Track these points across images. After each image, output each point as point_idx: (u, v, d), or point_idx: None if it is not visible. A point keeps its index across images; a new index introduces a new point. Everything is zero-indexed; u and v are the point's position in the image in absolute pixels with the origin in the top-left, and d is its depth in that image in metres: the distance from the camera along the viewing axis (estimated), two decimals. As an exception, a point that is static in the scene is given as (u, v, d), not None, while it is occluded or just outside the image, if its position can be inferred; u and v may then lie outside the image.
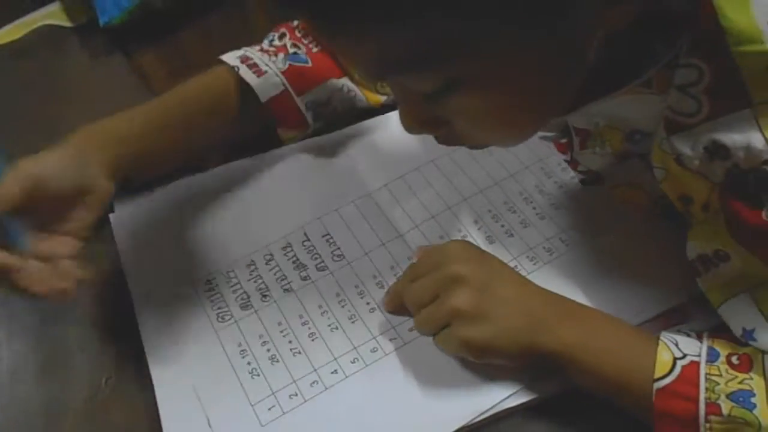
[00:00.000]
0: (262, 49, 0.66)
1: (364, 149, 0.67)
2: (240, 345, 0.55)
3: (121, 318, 0.57)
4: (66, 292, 0.49)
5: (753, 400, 0.41)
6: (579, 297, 0.53)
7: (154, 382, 0.53)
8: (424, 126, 0.46)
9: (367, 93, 0.69)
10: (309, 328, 0.55)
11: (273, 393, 0.52)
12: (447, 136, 0.48)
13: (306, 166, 0.66)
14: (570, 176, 0.62)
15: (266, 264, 0.60)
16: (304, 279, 0.58)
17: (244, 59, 0.64)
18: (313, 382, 0.52)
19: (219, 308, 0.57)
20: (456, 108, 0.43)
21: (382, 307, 0.56)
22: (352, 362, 0.53)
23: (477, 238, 0.59)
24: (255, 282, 0.58)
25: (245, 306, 0.57)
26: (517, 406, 0.49)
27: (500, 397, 0.49)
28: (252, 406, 0.51)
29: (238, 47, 0.67)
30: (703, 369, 0.43)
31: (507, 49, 0.38)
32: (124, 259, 0.61)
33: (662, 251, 0.54)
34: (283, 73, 0.64)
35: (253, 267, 0.59)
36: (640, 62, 0.45)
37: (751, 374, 0.43)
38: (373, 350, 0.53)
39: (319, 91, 0.66)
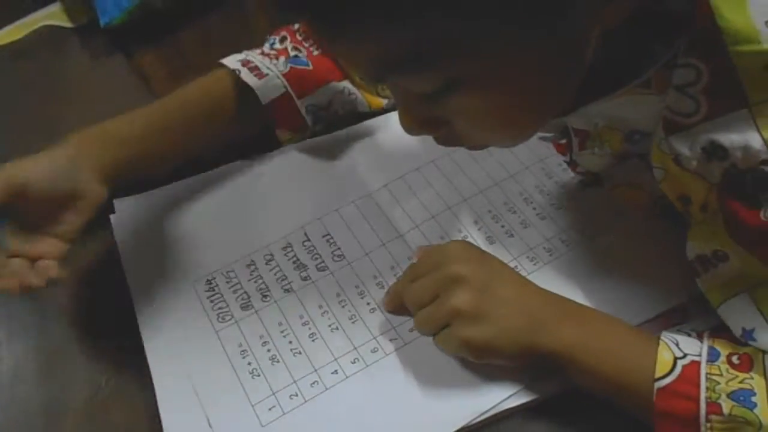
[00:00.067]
0: (263, 53, 0.66)
1: (365, 149, 0.67)
2: (240, 345, 0.55)
3: (122, 318, 0.57)
4: (31, 288, 0.50)
5: (754, 399, 0.41)
6: (579, 297, 0.53)
7: (155, 382, 0.53)
8: (424, 127, 0.46)
9: (369, 96, 0.69)
10: (309, 329, 0.55)
11: (273, 393, 0.52)
12: (446, 137, 0.48)
13: (306, 167, 0.66)
14: (570, 176, 0.62)
15: (266, 264, 0.60)
16: (305, 279, 0.58)
17: (245, 62, 0.64)
18: (314, 383, 0.52)
19: (219, 308, 0.57)
20: (456, 108, 0.43)
21: (382, 308, 0.56)
22: (352, 362, 0.53)
23: (477, 239, 0.59)
24: (255, 282, 0.58)
25: (245, 306, 0.57)
26: (518, 406, 0.49)
27: (500, 397, 0.49)
28: (252, 406, 0.51)
29: (238, 48, 0.67)
30: (703, 368, 0.43)
31: (506, 48, 0.38)
32: (124, 259, 0.61)
33: (662, 251, 0.54)
34: (284, 75, 0.64)
35: (253, 267, 0.59)
36: (640, 63, 0.45)
37: (752, 374, 0.43)
38: (374, 350, 0.53)
39: (319, 94, 0.66)
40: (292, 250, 0.60)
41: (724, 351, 0.44)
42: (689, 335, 0.47)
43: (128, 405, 0.53)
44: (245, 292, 0.58)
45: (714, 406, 0.42)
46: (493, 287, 0.49)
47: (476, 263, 0.50)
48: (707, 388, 0.42)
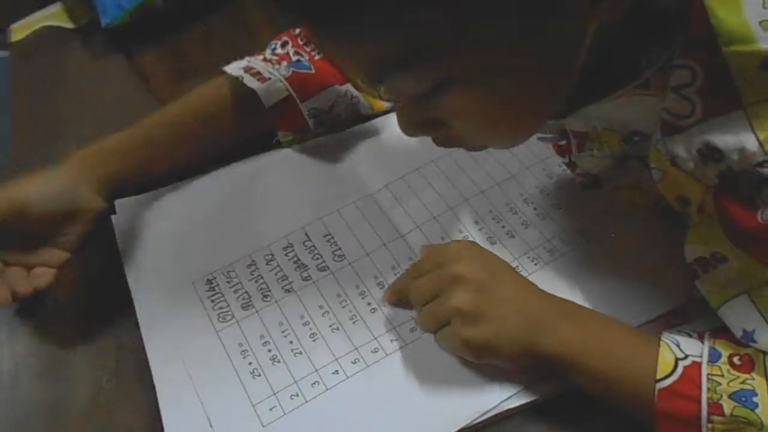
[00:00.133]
0: (265, 59, 0.67)
1: (365, 150, 0.67)
2: (241, 345, 0.55)
3: (123, 318, 0.57)
4: (18, 297, 0.55)
5: (755, 399, 0.41)
6: (579, 297, 0.53)
7: (156, 382, 0.53)
8: (421, 128, 0.46)
9: (371, 99, 0.69)
10: (310, 329, 0.55)
11: (274, 393, 0.52)
12: (444, 139, 0.48)
13: (307, 167, 0.66)
14: (571, 177, 0.62)
15: (267, 264, 0.60)
16: (305, 279, 0.58)
17: (247, 69, 0.65)
18: (315, 383, 0.52)
19: (220, 308, 0.57)
20: (450, 108, 0.43)
21: (382, 306, 0.56)
22: (353, 363, 0.53)
23: (478, 239, 0.59)
24: (256, 282, 0.58)
25: (246, 306, 0.57)
26: (518, 406, 0.49)
27: (502, 397, 0.49)
28: (253, 406, 0.51)
29: (239, 48, 0.67)
30: (704, 369, 0.43)
31: (499, 46, 0.38)
32: (125, 259, 0.61)
33: (663, 252, 0.54)
34: (286, 79, 0.65)
35: (254, 267, 0.59)
36: (638, 64, 0.45)
37: (753, 374, 0.43)
38: (375, 351, 0.53)
39: (322, 97, 0.66)
40: (293, 250, 0.60)
41: (725, 352, 0.44)
42: (690, 336, 0.47)
43: (129, 405, 0.53)
44: (246, 292, 0.58)
45: (715, 407, 0.42)
46: (493, 288, 0.49)
47: (477, 263, 0.50)
48: (708, 389, 0.42)
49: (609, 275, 0.55)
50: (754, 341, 0.43)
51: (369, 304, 0.56)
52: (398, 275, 0.57)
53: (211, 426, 0.50)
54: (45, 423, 0.53)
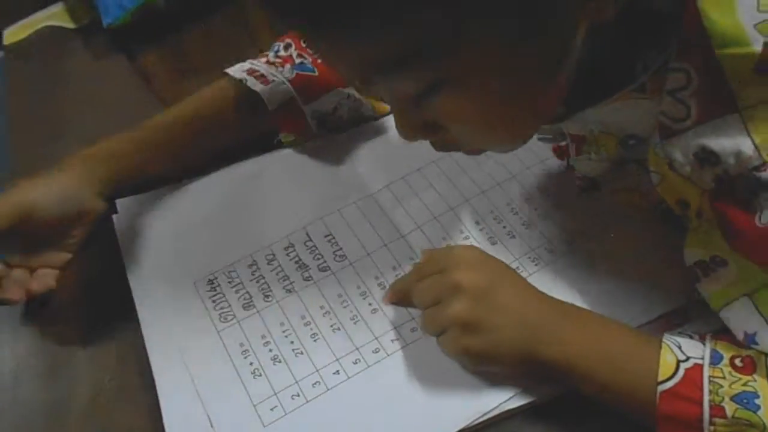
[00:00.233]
0: (268, 61, 0.67)
1: (366, 150, 0.67)
2: (242, 345, 0.55)
3: (124, 318, 0.57)
4: (32, 295, 0.56)
5: (757, 401, 0.41)
6: (580, 298, 0.53)
7: (157, 382, 0.53)
8: (419, 132, 0.46)
9: (374, 102, 0.69)
10: (311, 329, 0.55)
11: (275, 393, 0.52)
12: (442, 142, 0.48)
13: (308, 167, 0.66)
14: (571, 177, 0.62)
15: (268, 264, 0.60)
16: (307, 279, 0.58)
17: (251, 71, 0.65)
18: (315, 383, 0.52)
19: (221, 308, 0.57)
20: (445, 109, 0.43)
21: (383, 305, 0.56)
22: (354, 363, 0.53)
23: (479, 239, 0.59)
24: (257, 282, 0.58)
25: (247, 306, 0.57)
26: (519, 407, 0.49)
27: (502, 398, 0.49)
28: (254, 406, 0.51)
29: (240, 48, 0.68)
30: (706, 371, 0.43)
31: (497, 47, 0.38)
32: (126, 259, 0.61)
33: (664, 252, 0.54)
34: (290, 81, 0.65)
35: (255, 267, 0.59)
36: (634, 68, 0.44)
37: (755, 376, 0.42)
38: (376, 351, 0.53)
39: (325, 99, 0.66)
40: (294, 250, 0.60)
41: (726, 353, 0.44)
42: (691, 337, 0.46)
43: (130, 405, 0.53)
44: (247, 292, 0.58)
45: (717, 409, 0.42)
46: (492, 295, 0.48)
47: (477, 271, 0.50)
48: (710, 391, 0.42)
49: (609, 275, 0.55)
50: (756, 343, 0.43)
51: (370, 304, 0.56)
52: (399, 275, 0.57)
53: (211, 426, 0.50)
54: (46, 423, 0.53)
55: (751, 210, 0.40)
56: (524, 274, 0.55)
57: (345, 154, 0.67)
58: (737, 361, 0.43)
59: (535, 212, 0.60)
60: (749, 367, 0.43)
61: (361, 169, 0.65)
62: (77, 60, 0.83)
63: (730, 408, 0.41)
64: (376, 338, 0.54)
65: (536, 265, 0.57)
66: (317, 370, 0.53)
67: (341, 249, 0.60)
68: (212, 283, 0.59)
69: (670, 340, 0.45)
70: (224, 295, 0.58)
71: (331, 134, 0.68)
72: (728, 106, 0.39)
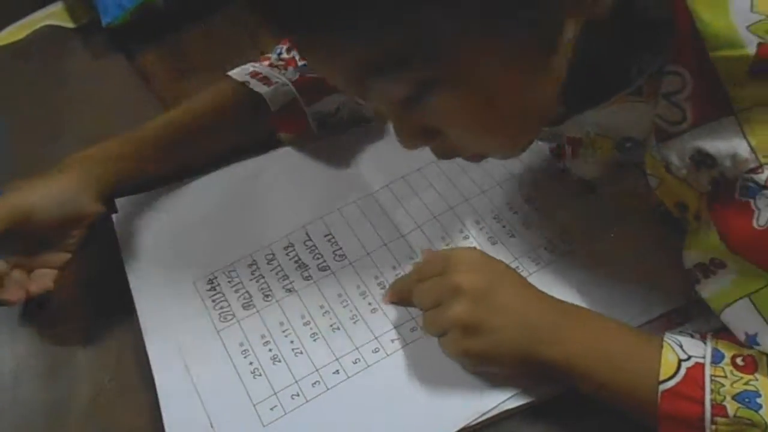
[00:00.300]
0: (271, 64, 0.67)
1: (366, 149, 0.67)
2: (242, 345, 0.54)
3: (124, 318, 0.57)
4: (30, 296, 0.56)
5: (759, 400, 0.41)
6: (580, 297, 0.53)
7: (157, 381, 0.53)
8: (418, 138, 0.46)
9: None
10: (311, 328, 0.55)
11: (275, 393, 0.52)
12: (443, 148, 0.48)
13: (308, 166, 0.66)
14: (571, 177, 0.62)
15: (268, 264, 0.60)
16: (306, 279, 0.58)
17: (253, 74, 0.65)
18: (315, 383, 0.52)
19: (221, 308, 0.57)
20: (441, 112, 0.42)
21: (383, 305, 0.55)
22: (353, 363, 0.53)
23: (479, 239, 0.59)
24: (257, 282, 0.58)
25: (247, 306, 0.57)
26: (518, 407, 0.49)
27: (502, 398, 0.49)
28: (254, 405, 0.51)
29: (240, 48, 0.68)
30: (708, 370, 0.43)
31: (496, 46, 0.38)
32: (126, 259, 0.61)
33: (664, 252, 0.54)
34: (293, 83, 0.65)
35: (254, 267, 0.59)
36: (629, 72, 0.44)
37: (757, 375, 0.42)
38: (375, 351, 0.53)
39: (327, 101, 0.66)
40: (294, 250, 0.60)
41: (728, 353, 0.44)
42: (692, 336, 0.46)
43: (130, 405, 0.53)
44: (247, 292, 0.58)
45: (719, 408, 0.42)
46: (492, 297, 0.48)
47: (477, 272, 0.50)
48: (712, 390, 0.42)
49: (609, 275, 0.55)
50: (757, 344, 0.43)
51: (370, 303, 0.56)
52: (399, 275, 0.57)
53: (211, 426, 0.50)
54: (46, 423, 0.53)
55: (748, 212, 0.40)
56: (524, 274, 0.55)
57: (345, 154, 0.66)
58: (739, 360, 0.43)
59: (535, 212, 0.60)
60: (751, 366, 0.43)
61: (361, 168, 0.65)
62: (76, 59, 0.83)
63: (731, 407, 0.41)
64: (376, 338, 0.54)
65: (536, 264, 0.57)
66: (317, 370, 0.53)
67: (341, 248, 0.60)
68: (212, 283, 0.59)
69: (671, 339, 0.45)
70: (224, 295, 0.58)
71: (331, 134, 0.68)
72: (723, 108, 0.39)
